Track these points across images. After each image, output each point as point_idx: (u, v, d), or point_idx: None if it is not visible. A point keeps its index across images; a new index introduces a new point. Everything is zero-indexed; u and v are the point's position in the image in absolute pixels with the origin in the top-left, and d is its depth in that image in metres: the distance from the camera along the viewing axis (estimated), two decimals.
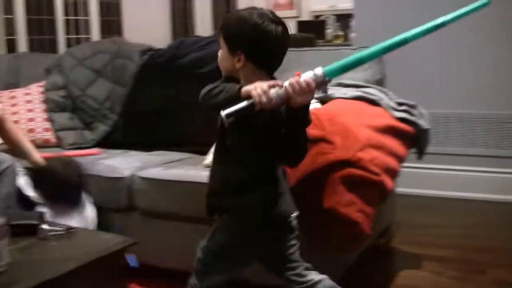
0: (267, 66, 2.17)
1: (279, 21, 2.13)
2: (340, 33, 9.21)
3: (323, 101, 2.94)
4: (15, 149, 3.16)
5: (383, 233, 3.55)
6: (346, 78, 3.28)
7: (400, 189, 3.76)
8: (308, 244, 2.72)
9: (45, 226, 2.30)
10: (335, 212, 2.41)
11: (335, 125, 2.53)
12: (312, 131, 2.49)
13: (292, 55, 3.62)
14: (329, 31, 9.24)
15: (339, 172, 2.42)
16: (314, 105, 2.86)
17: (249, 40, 2.08)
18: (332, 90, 3.02)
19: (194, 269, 2.27)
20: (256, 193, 2.12)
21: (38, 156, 3.12)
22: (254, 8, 2.15)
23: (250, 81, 2.02)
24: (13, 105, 4.13)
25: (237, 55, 2.10)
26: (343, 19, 9.06)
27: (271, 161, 2.16)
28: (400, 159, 2.80)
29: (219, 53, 2.20)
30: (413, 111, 3.03)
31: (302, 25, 9.10)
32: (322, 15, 9.41)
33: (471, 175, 4.56)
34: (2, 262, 2.05)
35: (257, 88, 1.93)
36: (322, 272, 2.71)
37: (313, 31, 8.10)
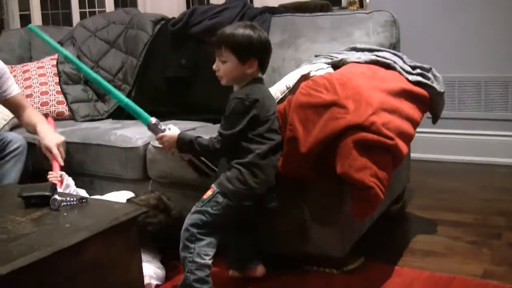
0: (266, 67, 2.68)
1: (261, 29, 2.66)
2: None
3: (336, 65, 2.91)
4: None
5: (397, 198, 3.54)
6: (359, 42, 3.26)
7: (415, 154, 3.75)
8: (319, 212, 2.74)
9: (57, 197, 2.30)
10: (348, 177, 2.39)
11: (347, 89, 2.50)
12: (324, 96, 2.48)
13: (306, 20, 3.65)
14: None
15: (352, 137, 2.40)
16: (326, 70, 2.84)
17: (258, 47, 2.57)
18: (346, 55, 2.99)
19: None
20: None
21: (51, 140, 3.14)
22: (242, 23, 2.68)
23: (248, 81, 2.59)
24: (26, 79, 4.13)
25: (248, 62, 2.55)
26: None
27: None
28: (415, 124, 2.77)
29: (222, 67, 2.59)
30: (428, 74, 2.99)
31: None
32: None
33: (488, 139, 4.52)
34: None
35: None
36: (335, 239, 2.73)
37: None
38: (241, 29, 2.58)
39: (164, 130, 2.67)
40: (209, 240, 2.53)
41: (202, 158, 2.71)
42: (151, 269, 2.73)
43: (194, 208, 2.56)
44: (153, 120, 2.70)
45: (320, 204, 2.72)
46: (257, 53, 2.57)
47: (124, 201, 2.92)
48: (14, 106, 3.41)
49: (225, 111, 2.55)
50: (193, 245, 2.52)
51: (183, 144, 2.61)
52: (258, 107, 2.52)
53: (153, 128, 2.70)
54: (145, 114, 2.71)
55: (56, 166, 3.06)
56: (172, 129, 2.67)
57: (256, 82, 2.61)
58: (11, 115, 3.69)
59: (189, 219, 2.55)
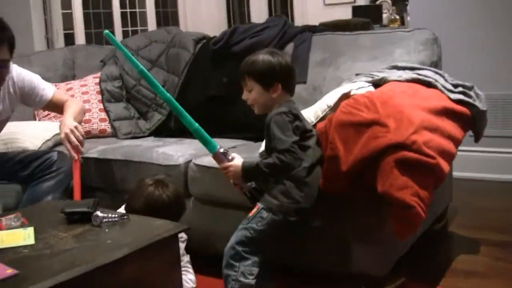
0: (294, 89, 2.70)
1: (283, 54, 2.73)
2: (396, 17, 9.07)
3: (377, 84, 2.90)
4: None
5: (439, 217, 3.50)
6: (400, 60, 3.25)
7: (456, 173, 3.71)
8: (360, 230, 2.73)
9: (99, 213, 2.32)
10: (389, 196, 2.38)
11: (389, 107, 2.49)
12: (365, 114, 2.47)
13: (346, 39, 3.65)
14: (385, 15, 9.11)
15: (393, 155, 2.39)
16: (367, 88, 2.84)
17: (280, 72, 2.60)
18: (387, 73, 2.99)
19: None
20: None
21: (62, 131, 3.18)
22: (262, 51, 2.70)
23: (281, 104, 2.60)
24: (70, 96, 4.18)
25: (272, 88, 2.60)
26: (399, 2, 8.93)
27: None
28: (457, 142, 2.74)
29: (250, 96, 2.66)
30: (470, 92, 2.97)
31: (357, 10, 8.99)
32: (378, 0, 9.29)
33: None
34: None
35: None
36: (376, 258, 2.71)
37: (368, 15, 8.01)
38: (261, 56, 2.63)
39: (231, 160, 2.65)
40: (254, 260, 2.52)
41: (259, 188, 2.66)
42: None
43: (239, 227, 2.56)
44: (222, 149, 2.68)
45: (361, 222, 2.71)
46: (279, 78, 2.60)
47: None
48: (55, 107, 3.45)
49: (268, 133, 2.56)
50: (237, 264, 2.51)
51: (249, 171, 2.58)
52: (299, 120, 2.55)
53: (220, 157, 2.67)
54: (213, 142, 2.69)
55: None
56: (237, 158, 2.66)
57: (289, 101, 2.64)
58: (54, 132, 3.74)
59: (235, 237, 2.54)
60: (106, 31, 2.92)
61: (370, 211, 2.68)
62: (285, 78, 2.62)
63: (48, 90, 3.42)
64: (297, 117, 2.56)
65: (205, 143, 2.71)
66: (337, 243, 2.77)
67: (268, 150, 2.58)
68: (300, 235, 2.65)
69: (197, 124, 2.72)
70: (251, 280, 2.50)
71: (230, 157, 2.65)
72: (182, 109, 2.76)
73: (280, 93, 2.61)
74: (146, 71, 2.91)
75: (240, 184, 2.65)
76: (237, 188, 2.68)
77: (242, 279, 2.49)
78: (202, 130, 2.71)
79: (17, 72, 3.29)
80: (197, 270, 2.95)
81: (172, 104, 2.79)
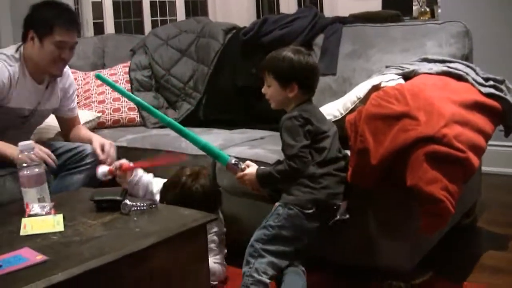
0: (313, 90, 2.68)
1: (309, 53, 2.70)
2: (427, 9, 8.99)
3: (407, 76, 2.88)
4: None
5: (468, 212, 3.47)
6: (431, 53, 3.22)
7: (486, 168, 3.67)
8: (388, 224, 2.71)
9: (128, 202, 2.34)
10: (418, 190, 2.36)
11: (419, 100, 2.47)
12: (395, 107, 2.46)
13: (377, 31, 3.63)
14: (415, 8, 9.03)
15: (423, 149, 2.37)
16: (397, 80, 2.82)
17: (299, 72, 2.59)
18: (418, 66, 2.96)
19: None
20: None
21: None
22: (287, 47, 2.68)
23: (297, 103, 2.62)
24: (99, 85, 4.21)
25: (290, 87, 2.59)
26: None
27: None
28: (487, 136, 2.71)
29: (268, 91, 2.67)
30: (501, 86, 2.94)
31: (387, 2, 8.90)
32: None
33: None
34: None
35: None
36: (404, 252, 2.69)
37: (398, 7, 7.94)
38: (283, 53, 2.63)
39: (244, 169, 2.69)
40: (271, 259, 2.50)
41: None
42: None
43: (259, 227, 2.57)
44: (232, 160, 2.72)
45: (389, 216, 2.69)
46: (296, 78, 2.59)
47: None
48: (71, 125, 3.50)
49: (280, 137, 2.59)
50: (253, 260, 2.51)
51: (263, 178, 2.62)
52: (311, 124, 2.55)
53: (233, 168, 2.71)
54: (224, 155, 2.74)
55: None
56: (251, 166, 2.69)
57: (304, 104, 2.63)
58: (83, 121, 3.76)
59: (254, 235, 2.55)
60: (97, 73, 3.16)
61: (398, 204, 2.66)
62: (303, 79, 2.61)
63: (76, 109, 3.54)
64: (309, 120, 2.55)
65: (216, 157, 2.77)
66: (364, 237, 2.75)
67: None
68: (327, 228, 2.64)
69: (204, 141, 2.79)
70: (264, 278, 2.48)
71: (242, 166, 2.70)
72: (186, 130, 2.83)
73: (296, 93, 2.61)
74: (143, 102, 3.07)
75: (258, 190, 2.69)
76: (256, 191, 2.72)
77: (255, 275, 2.48)
78: (210, 145, 2.78)
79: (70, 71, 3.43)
80: (226, 261, 2.96)
81: (174, 127, 2.84)
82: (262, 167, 2.68)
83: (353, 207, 2.61)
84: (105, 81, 3.22)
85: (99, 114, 4.04)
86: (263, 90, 2.71)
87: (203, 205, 2.62)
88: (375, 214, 2.72)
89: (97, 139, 3.25)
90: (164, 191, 2.97)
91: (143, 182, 3.08)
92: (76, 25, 3.14)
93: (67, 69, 3.31)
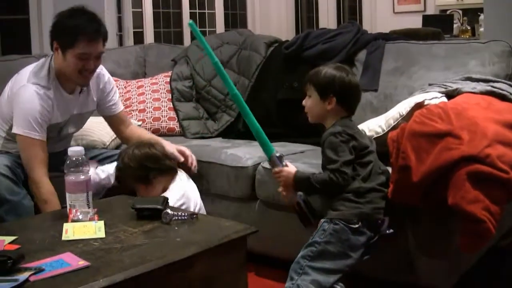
0: (353, 107, 2.71)
1: (352, 73, 2.76)
2: (468, 27, 8.95)
3: (450, 95, 2.87)
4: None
5: (506, 234, 3.43)
6: (474, 72, 3.20)
7: None
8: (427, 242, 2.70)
9: (169, 211, 2.35)
10: (460, 209, 2.35)
11: (463, 119, 2.46)
12: (439, 125, 2.45)
13: (420, 48, 3.61)
14: (456, 26, 9.01)
15: (466, 168, 2.36)
16: (440, 99, 2.81)
17: (338, 85, 2.64)
18: (461, 84, 2.95)
19: None
20: None
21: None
22: (332, 64, 2.81)
23: (335, 119, 2.66)
24: (140, 94, 4.26)
25: (328, 99, 2.64)
26: (471, 13, 8.81)
27: None
28: None
29: (308, 102, 2.72)
30: None
31: (427, 19, 8.90)
32: (448, 10, 9.18)
33: None
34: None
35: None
36: (442, 270, 2.68)
37: (438, 25, 7.92)
38: (326, 68, 2.71)
39: (285, 165, 2.69)
40: (316, 278, 2.48)
41: (309, 203, 2.71)
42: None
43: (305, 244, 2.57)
44: (278, 153, 2.72)
45: (428, 233, 2.68)
46: (336, 91, 2.64)
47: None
48: (119, 121, 3.50)
49: (322, 152, 2.60)
50: (296, 277, 2.49)
51: (300, 180, 2.63)
52: (355, 140, 2.56)
53: (275, 161, 2.71)
54: (271, 146, 2.74)
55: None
56: (290, 166, 2.70)
57: (344, 120, 2.66)
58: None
59: (301, 252, 2.54)
60: (191, 21, 2.95)
61: (438, 222, 2.65)
62: (342, 94, 2.64)
63: (120, 103, 3.53)
64: (353, 136, 2.57)
65: (264, 144, 2.75)
66: (403, 253, 2.75)
67: (323, 168, 2.60)
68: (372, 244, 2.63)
69: (258, 125, 2.77)
70: None
71: (284, 163, 2.69)
72: (247, 108, 2.81)
73: (334, 106, 2.64)
74: (220, 65, 2.89)
75: (288, 193, 2.69)
76: (285, 197, 2.72)
77: None
78: (263, 133, 2.75)
79: (104, 71, 3.42)
80: (261, 274, 2.96)
81: (238, 100, 2.83)
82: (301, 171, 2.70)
83: (393, 223, 2.60)
84: (196, 32, 3.08)
85: (139, 123, 4.06)
86: (303, 102, 2.74)
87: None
88: (414, 230, 2.72)
89: (167, 143, 3.30)
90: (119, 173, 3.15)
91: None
92: (101, 35, 3.08)
93: (100, 70, 3.30)
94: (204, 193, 3.34)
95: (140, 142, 3.20)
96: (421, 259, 2.71)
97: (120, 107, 3.50)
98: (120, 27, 6.52)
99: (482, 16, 7.22)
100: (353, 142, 2.55)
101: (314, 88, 2.68)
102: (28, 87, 3.05)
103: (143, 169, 3.05)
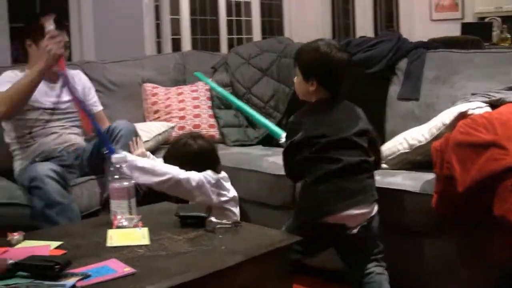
0: (335, 88, 2.68)
1: (343, 49, 2.71)
2: (507, 35, 8.84)
3: (494, 105, 2.85)
4: None
5: None
6: None
7: None
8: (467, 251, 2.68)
9: (213, 219, 2.36)
10: (506, 220, 2.33)
11: (508, 129, 2.44)
12: (483, 135, 2.43)
13: (461, 57, 3.58)
14: (495, 33, 8.91)
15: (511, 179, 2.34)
16: (484, 108, 2.79)
17: (321, 68, 2.63)
18: (505, 94, 2.92)
19: None
20: None
21: None
22: (321, 40, 2.73)
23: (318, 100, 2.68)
24: (180, 101, 4.28)
25: (310, 81, 2.65)
26: (510, 21, 8.71)
27: None
28: None
29: (296, 82, 2.76)
30: None
31: (466, 27, 8.81)
32: (487, 17, 9.08)
33: None
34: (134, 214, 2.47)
35: None
36: (481, 280, 2.65)
37: (477, 33, 7.84)
38: (311, 49, 2.70)
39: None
40: None
41: None
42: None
43: None
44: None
45: (472, 243, 2.66)
46: (317, 74, 2.65)
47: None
48: (97, 118, 3.67)
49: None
50: None
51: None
52: (304, 130, 2.62)
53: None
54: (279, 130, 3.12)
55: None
56: None
57: (320, 105, 2.70)
58: (156, 132, 3.89)
59: None
60: (197, 72, 3.31)
61: (478, 232, 2.63)
62: (323, 77, 2.64)
63: (99, 104, 3.81)
64: (300, 125, 2.67)
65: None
66: (442, 262, 2.73)
67: None
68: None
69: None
70: None
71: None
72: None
73: (316, 87, 2.67)
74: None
75: None
76: None
77: None
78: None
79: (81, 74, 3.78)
80: (300, 282, 2.96)
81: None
82: None
83: (435, 232, 2.59)
84: (205, 81, 3.25)
85: (172, 125, 4.08)
86: (294, 79, 2.81)
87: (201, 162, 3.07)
88: (458, 240, 2.70)
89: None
90: (167, 155, 3.23)
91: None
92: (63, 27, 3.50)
93: (77, 73, 3.74)
94: (242, 200, 3.36)
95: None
96: (463, 269, 2.69)
97: (100, 107, 3.80)
98: (158, 34, 6.55)
99: None
100: (300, 133, 2.62)
101: (299, 69, 2.73)
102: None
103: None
